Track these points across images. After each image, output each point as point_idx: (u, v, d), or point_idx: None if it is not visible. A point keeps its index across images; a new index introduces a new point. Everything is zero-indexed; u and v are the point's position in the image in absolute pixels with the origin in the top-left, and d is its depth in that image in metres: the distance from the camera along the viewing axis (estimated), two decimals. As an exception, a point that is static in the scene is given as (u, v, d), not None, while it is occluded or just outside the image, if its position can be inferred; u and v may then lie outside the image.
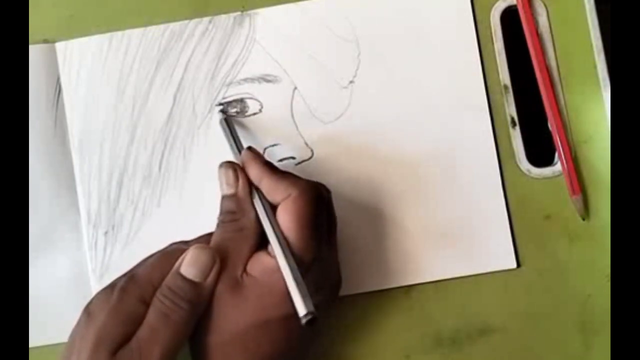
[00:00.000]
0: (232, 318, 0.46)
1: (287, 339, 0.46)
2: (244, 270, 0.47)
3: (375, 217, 0.53)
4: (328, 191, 0.50)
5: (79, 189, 0.54)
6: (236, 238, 0.47)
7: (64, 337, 0.46)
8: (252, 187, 0.48)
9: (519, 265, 0.53)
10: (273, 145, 0.54)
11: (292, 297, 0.44)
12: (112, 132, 0.54)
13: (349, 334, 0.53)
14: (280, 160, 0.54)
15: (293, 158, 0.54)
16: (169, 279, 0.46)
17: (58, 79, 0.54)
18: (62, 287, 0.53)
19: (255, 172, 0.49)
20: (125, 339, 0.44)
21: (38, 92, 0.54)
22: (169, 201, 0.54)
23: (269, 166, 0.49)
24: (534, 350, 0.53)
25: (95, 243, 0.53)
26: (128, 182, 0.54)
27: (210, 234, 0.49)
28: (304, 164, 0.54)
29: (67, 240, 0.53)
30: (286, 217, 0.46)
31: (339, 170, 0.54)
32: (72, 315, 0.47)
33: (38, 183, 0.53)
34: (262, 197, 0.48)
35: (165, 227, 0.53)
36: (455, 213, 0.53)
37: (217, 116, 0.54)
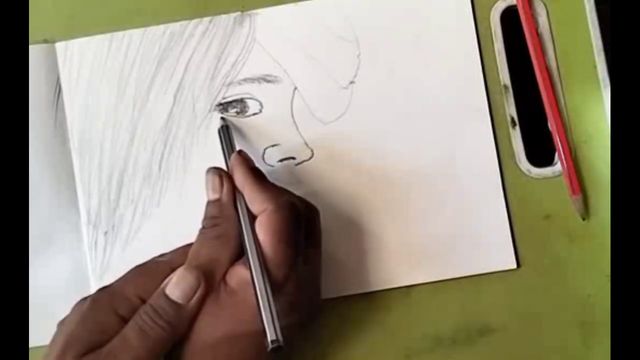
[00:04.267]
0: (206, 328, 0.45)
1: (257, 356, 0.45)
2: (223, 279, 0.46)
3: (375, 216, 0.53)
4: (314, 211, 0.49)
5: (79, 189, 0.54)
6: (215, 245, 0.47)
7: (64, 337, 0.46)
8: (236, 194, 0.48)
9: (519, 265, 0.53)
10: (273, 146, 0.54)
11: (262, 319, 0.44)
12: (112, 132, 0.54)
13: (349, 333, 0.53)
14: (280, 161, 0.54)
15: (293, 158, 0.54)
16: (153, 297, 0.46)
17: (58, 79, 0.54)
18: (62, 287, 0.53)
19: (239, 178, 0.48)
20: (93, 347, 0.44)
21: (38, 92, 0.54)
22: (169, 201, 0.54)
23: (254, 174, 0.48)
24: (534, 350, 0.53)
25: (95, 243, 0.53)
26: (128, 182, 0.54)
27: (188, 245, 0.48)
28: (304, 164, 0.54)
29: (67, 240, 0.53)
30: (261, 231, 0.46)
31: (339, 170, 0.54)
32: (72, 315, 0.47)
33: (38, 183, 0.53)
34: (245, 205, 0.48)
35: (165, 227, 0.53)
36: (455, 213, 0.53)
37: (217, 116, 0.54)
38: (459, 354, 0.53)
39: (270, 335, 0.43)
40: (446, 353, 0.53)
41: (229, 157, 0.50)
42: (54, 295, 0.53)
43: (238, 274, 0.46)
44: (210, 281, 0.46)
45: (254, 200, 0.47)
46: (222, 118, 0.54)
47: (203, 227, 0.48)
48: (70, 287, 0.53)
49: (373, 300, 0.53)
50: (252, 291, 0.44)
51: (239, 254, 0.47)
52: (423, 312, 0.53)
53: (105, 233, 0.53)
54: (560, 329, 0.53)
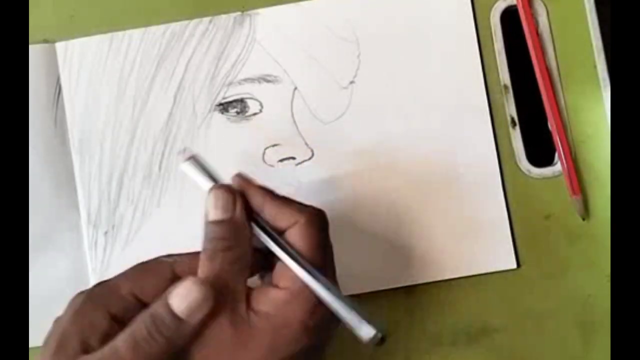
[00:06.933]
0: (237, 359, 0.42)
1: None
2: (249, 306, 0.43)
3: (375, 217, 0.53)
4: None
5: (79, 189, 0.54)
6: (234, 270, 0.44)
7: (64, 337, 0.46)
8: (250, 214, 0.45)
9: (519, 265, 0.53)
10: (273, 146, 0.54)
11: (346, 323, 0.43)
12: (112, 132, 0.54)
13: (350, 334, 0.53)
14: (280, 161, 0.54)
15: (293, 158, 0.54)
16: (155, 306, 0.42)
17: (58, 79, 0.54)
18: (62, 287, 0.53)
19: (257, 198, 0.45)
20: (85, 346, 0.42)
21: (38, 92, 0.54)
22: (168, 201, 0.54)
23: (269, 191, 0.46)
24: (534, 350, 0.53)
25: (95, 243, 0.53)
26: (128, 182, 0.54)
27: (197, 253, 0.45)
28: (304, 164, 0.54)
29: (67, 240, 0.53)
30: (300, 244, 0.44)
31: (339, 170, 0.54)
32: (72, 315, 0.47)
33: (38, 183, 0.53)
34: (266, 224, 0.45)
35: (165, 227, 0.53)
36: (455, 213, 0.53)
37: (217, 116, 0.54)
38: (459, 354, 0.53)
39: (367, 333, 0.43)
40: (446, 353, 0.53)
41: (213, 185, 0.46)
42: (54, 295, 0.53)
43: (269, 296, 0.43)
44: (221, 305, 0.43)
45: (281, 215, 0.45)
46: (184, 149, 0.52)
47: (214, 251, 0.44)
48: (70, 287, 0.53)
49: (373, 301, 0.53)
50: (291, 309, 0.43)
51: (250, 275, 0.45)
52: (423, 312, 0.53)
53: (105, 233, 0.53)
54: (560, 329, 0.53)
